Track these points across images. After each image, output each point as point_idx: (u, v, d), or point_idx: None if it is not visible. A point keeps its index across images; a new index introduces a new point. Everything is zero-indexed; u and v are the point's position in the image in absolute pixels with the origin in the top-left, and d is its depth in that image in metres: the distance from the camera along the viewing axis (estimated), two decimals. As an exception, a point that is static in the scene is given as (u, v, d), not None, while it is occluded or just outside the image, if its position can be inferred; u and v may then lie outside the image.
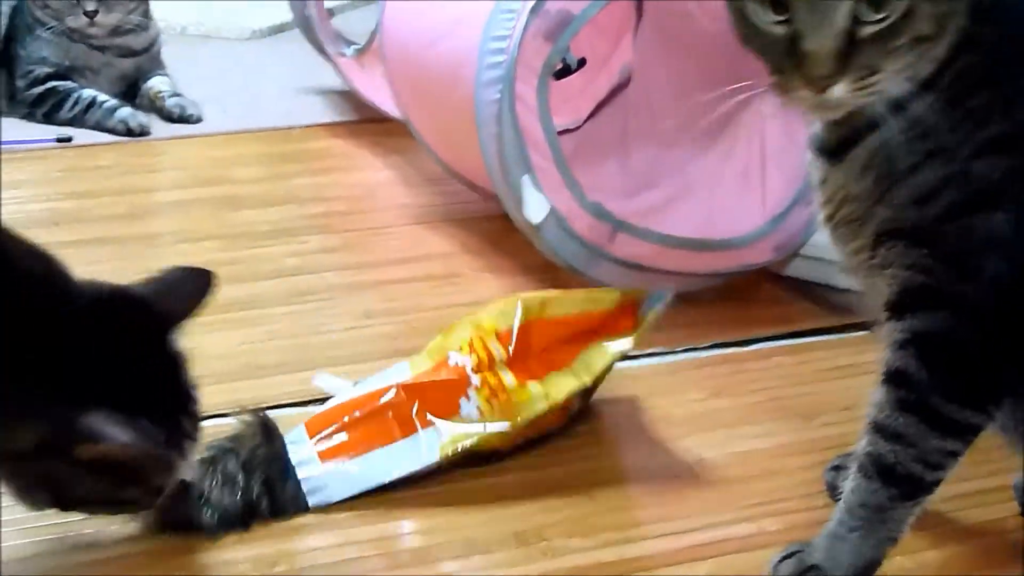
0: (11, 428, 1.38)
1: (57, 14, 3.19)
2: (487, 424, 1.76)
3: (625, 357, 2.04)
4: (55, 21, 3.19)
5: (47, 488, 1.44)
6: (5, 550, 1.61)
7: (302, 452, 1.73)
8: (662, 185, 2.50)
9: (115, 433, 1.37)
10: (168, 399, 1.50)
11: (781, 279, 2.38)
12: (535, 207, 2.21)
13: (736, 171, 2.41)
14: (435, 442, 1.74)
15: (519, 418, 1.77)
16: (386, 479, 1.73)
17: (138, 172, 2.90)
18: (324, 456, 1.73)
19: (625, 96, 2.74)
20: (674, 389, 2.02)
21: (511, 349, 1.80)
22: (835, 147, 1.47)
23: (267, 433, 1.74)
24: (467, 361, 1.78)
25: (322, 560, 1.61)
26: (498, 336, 1.80)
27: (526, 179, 2.20)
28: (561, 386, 1.80)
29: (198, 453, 1.66)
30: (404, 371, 1.81)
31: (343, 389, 1.84)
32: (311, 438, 1.74)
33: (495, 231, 2.54)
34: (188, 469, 1.54)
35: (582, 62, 2.63)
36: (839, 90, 1.34)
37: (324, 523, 1.68)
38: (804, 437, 1.89)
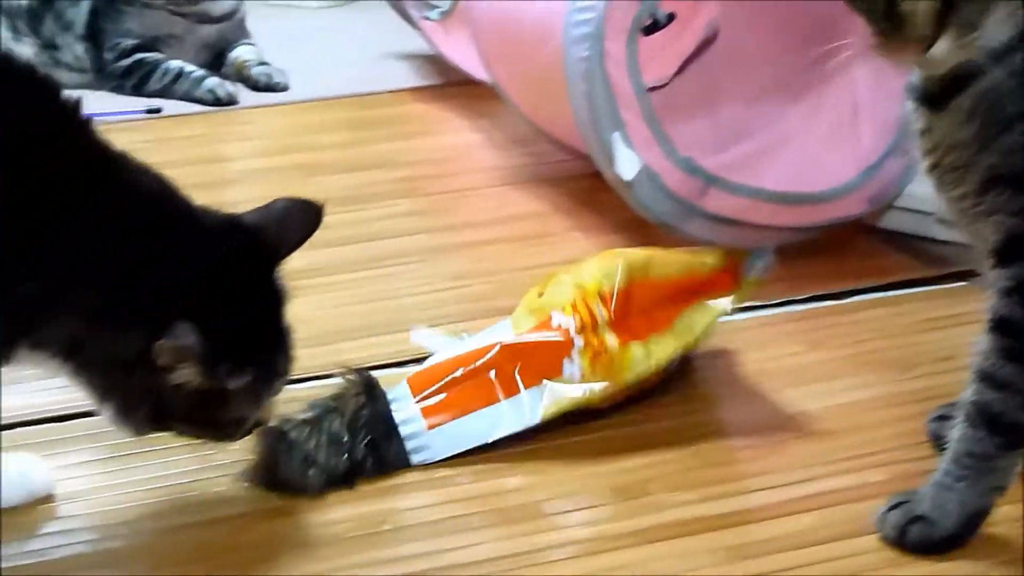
0: (120, 336, 1.43)
1: None
2: (589, 386, 1.75)
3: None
4: None
5: (146, 403, 1.47)
6: (110, 513, 1.63)
7: (405, 410, 1.73)
8: (752, 139, 2.48)
9: (187, 337, 1.40)
10: (265, 333, 1.52)
11: (875, 231, 2.36)
12: (627, 164, 2.20)
13: (828, 123, 2.39)
14: (537, 403, 1.74)
15: (621, 379, 1.77)
16: (488, 439, 1.73)
17: (227, 141, 2.92)
18: (427, 414, 1.73)
19: (712, 52, 2.71)
20: (771, 343, 2.01)
21: (613, 310, 1.79)
22: (937, 95, 1.45)
23: (371, 392, 1.74)
24: (570, 322, 1.77)
25: (427, 518, 1.63)
26: (601, 297, 1.79)
27: (617, 136, 2.20)
28: (663, 348, 1.80)
29: (302, 412, 1.68)
30: (506, 329, 1.81)
31: (442, 345, 1.85)
32: (414, 396, 1.75)
33: (584, 190, 2.54)
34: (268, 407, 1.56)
35: (671, 17, 2.61)
36: (939, 49, 1.33)
37: (427, 481, 1.69)
38: (903, 388, 1.88)
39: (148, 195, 1.47)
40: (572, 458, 1.72)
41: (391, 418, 1.73)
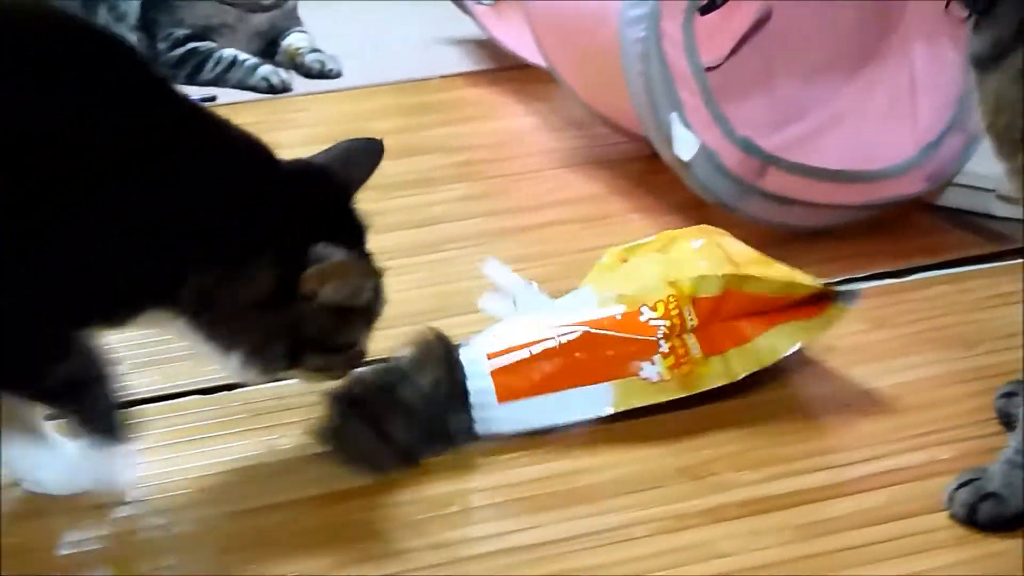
0: (254, 276, 1.51)
1: None
2: (664, 391, 1.75)
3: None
4: None
5: (281, 338, 1.54)
6: (180, 496, 1.65)
7: (479, 381, 1.73)
8: (809, 117, 2.47)
9: (338, 253, 1.51)
10: (365, 255, 1.62)
11: (933, 209, 2.35)
12: (684, 144, 2.20)
13: (885, 100, 2.38)
14: (609, 397, 1.74)
15: (694, 390, 1.76)
16: (556, 422, 1.73)
17: (281, 128, 2.92)
18: (500, 388, 1.73)
19: (767, 31, 2.70)
20: (834, 321, 2.00)
21: (702, 317, 1.77)
22: (989, 55, 1.45)
23: (449, 360, 1.74)
24: (660, 324, 1.76)
25: (494, 499, 1.63)
26: (695, 302, 1.77)
27: (674, 116, 2.19)
28: (743, 365, 1.78)
29: (378, 376, 1.71)
30: (589, 302, 1.80)
31: (513, 285, 1.86)
32: (490, 369, 1.74)
33: (641, 171, 2.53)
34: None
35: (728, -5, 2.60)
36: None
37: (493, 462, 1.69)
38: (969, 365, 1.87)
39: (241, 144, 1.56)
40: (637, 439, 1.72)
41: (466, 389, 1.72)
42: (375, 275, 1.59)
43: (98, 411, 1.57)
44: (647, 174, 2.50)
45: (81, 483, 1.64)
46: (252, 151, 1.57)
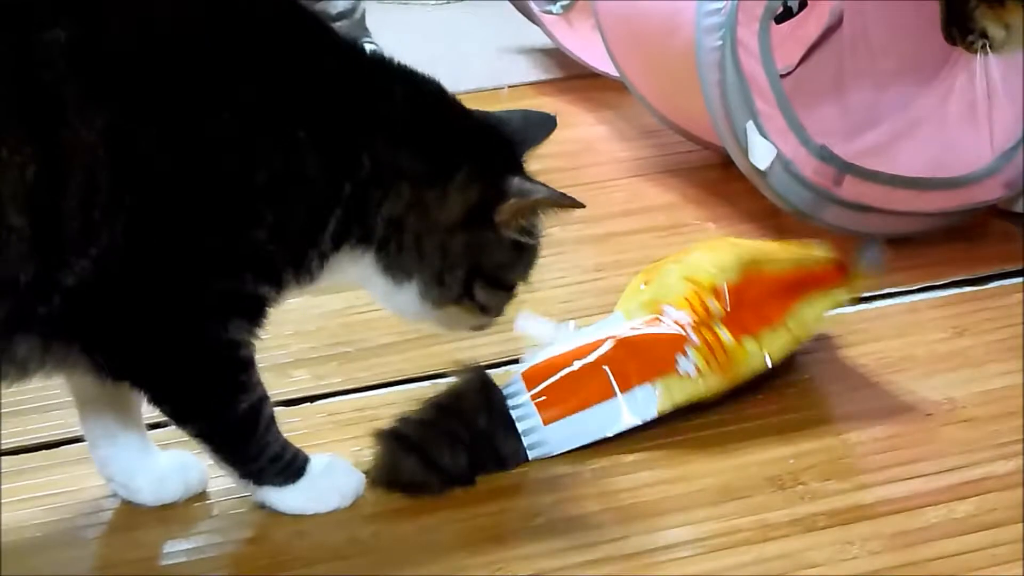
0: (448, 198, 1.54)
1: None
2: (704, 382, 1.75)
3: (858, 300, 2.03)
4: None
5: (464, 262, 1.56)
6: (263, 510, 1.65)
7: (521, 406, 1.74)
8: (884, 125, 2.46)
9: (537, 187, 1.57)
10: None
11: (1011, 216, 2.34)
12: (761, 153, 2.20)
13: (962, 107, 2.37)
14: (652, 398, 1.74)
15: (736, 375, 1.77)
16: (605, 434, 1.74)
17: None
18: (542, 409, 1.73)
19: (838, 37, 2.70)
20: (915, 329, 2.00)
21: (727, 305, 1.78)
22: None
23: (486, 389, 1.75)
24: (685, 317, 1.77)
25: (581, 510, 1.63)
26: (715, 292, 1.78)
27: (750, 125, 2.19)
28: (777, 343, 1.79)
29: (420, 413, 1.71)
30: (618, 322, 1.81)
31: (548, 332, 1.85)
32: (528, 391, 1.75)
33: (715, 180, 2.54)
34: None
35: (803, 4, 2.60)
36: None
37: (577, 473, 1.70)
38: (1053, 373, 1.86)
39: (422, 89, 1.61)
40: (721, 448, 1.72)
41: (508, 415, 1.73)
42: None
43: (277, 450, 1.60)
44: (721, 182, 2.50)
45: (177, 494, 1.65)
46: (426, 90, 1.62)
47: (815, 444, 1.73)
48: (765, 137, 2.19)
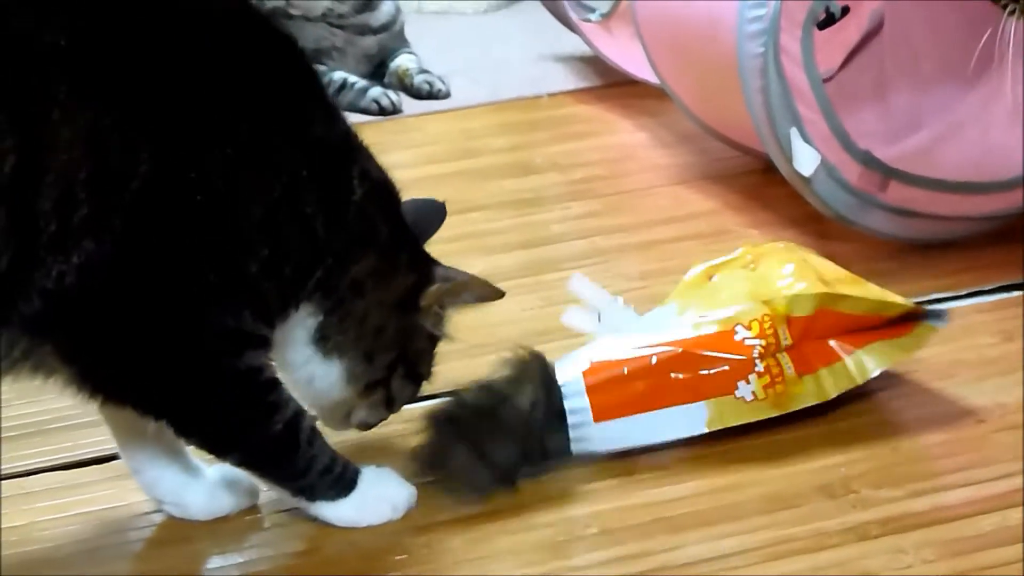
0: (392, 277, 1.59)
1: None
2: (757, 410, 1.74)
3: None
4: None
5: (394, 344, 1.61)
6: (312, 523, 1.65)
7: (576, 400, 1.73)
8: (927, 128, 2.45)
9: (460, 273, 1.62)
10: None
11: (1057, 218, 2.33)
12: (805, 159, 2.19)
13: (1006, 109, 2.35)
14: (703, 415, 1.74)
15: (787, 409, 1.76)
16: (652, 441, 1.73)
17: (394, 149, 2.93)
18: (596, 407, 1.73)
19: (879, 41, 2.69)
20: (963, 334, 1.98)
21: (796, 337, 1.77)
22: None
23: (546, 380, 1.74)
24: (755, 343, 1.75)
25: (634, 520, 1.63)
26: (789, 322, 1.76)
27: (794, 131, 2.19)
28: (834, 384, 1.76)
29: (477, 397, 1.73)
30: (678, 322, 1.80)
31: (600, 300, 1.85)
32: (587, 388, 1.74)
33: (756, 186, 2.53)
34: None
35: (846, 10, 2.59)
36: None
37: (627, 483, 1.70)
38: (1104, 377, 1.85)
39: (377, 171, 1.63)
40: (771, 457, 1.72)
41: (563, 409, 1.73)
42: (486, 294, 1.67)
43: (326, 462, 1.60)
44: (762, 188, 2.50)
45: (228, 507, 1.66)
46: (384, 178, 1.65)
47: (866, 452, 1.72)
48: (809, 143, 2.18)
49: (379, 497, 1.63)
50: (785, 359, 1.76)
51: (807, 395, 1.76)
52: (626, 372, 1.75)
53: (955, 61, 2.48)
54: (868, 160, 2.20)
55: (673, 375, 1.75)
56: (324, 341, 1.58)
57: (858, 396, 1.82)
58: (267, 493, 1.69)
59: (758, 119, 2.24)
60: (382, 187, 1.61)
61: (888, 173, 2.21)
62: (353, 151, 1.58)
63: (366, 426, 1.69)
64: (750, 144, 2.51)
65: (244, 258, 1.48)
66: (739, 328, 1.77)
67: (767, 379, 1.75)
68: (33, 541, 1.65)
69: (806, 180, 2.20)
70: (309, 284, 1.54)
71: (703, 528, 1.60)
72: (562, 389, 1.74)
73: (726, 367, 1.75)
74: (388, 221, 1.59)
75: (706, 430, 1.74)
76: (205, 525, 1.65)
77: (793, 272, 1.82)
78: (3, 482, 1.75)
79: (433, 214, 1.71)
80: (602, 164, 2.77)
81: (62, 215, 1.39)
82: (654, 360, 1.75)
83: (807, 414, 1.78)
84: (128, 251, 1.43)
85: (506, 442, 1.68)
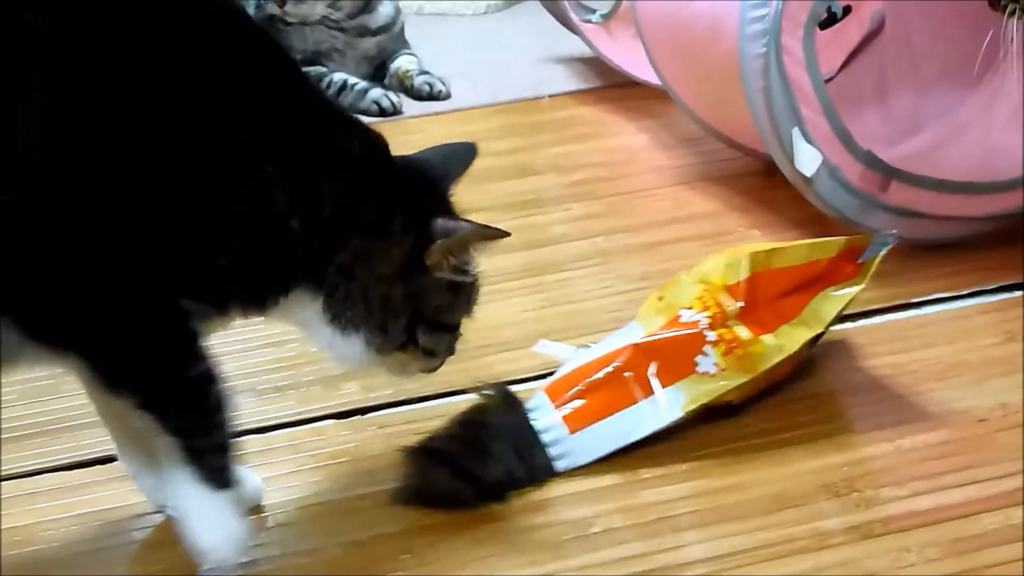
0: (388, 250, 1.56)
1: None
2: (726, 379, 1.75)
3: (907, 306, 2.03)
4: (255, 9, 3.24)
5: (404, 309, 1.59)
6: (317, 521, 1.66)
7: (545, 418, 1.74)
8: (928, 129, 2.45)
9: (460, 224, 1.59)
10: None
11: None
12: (807, 159, 2.19)
13: (1008, 110, 2.36)
14: (676, 400, 1.75)
15: (757, 371, 1.76)
16: (630, 439, 1.74)
17: (395, 150, 2.91)
18: (567, 420, 1.74)
19: (880, 42, 2.69)
20: (965, 335, 1.98)
21: (741, 303, 1.79)
22: None
23: (509, 403, 1.75)
24: (700, 317, 1.78)
25: (636, 519, 1.63)
26: (728, 290, 1.80)
27: (796, 132, 2.19)
28: (794, 337, 1.79)
29: (447, 429, 1.73)
30: (636, 331, 1.81)
31: (569, 354, 1.85)
32: (552, 403, 1.75)
33: (758, 187, 2.53)
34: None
35: (847, 10, 2.59)
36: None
37: (630, 482, 1.69)
38: (1107, 377, 1.85)
39: (371, 138, 1.62)
40: (773, 457, 1.72)
41: (532, 428, 1.73)
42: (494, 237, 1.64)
43: (216, 444, 1.54)
44: (765, 190, 2.50)
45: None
46: (374, 139, 1.64)
47: (868, 451, 1.72)
48: (811, 143, 2.18)
49: (231, 519, 1.56)
50: (738, 325, 1.77)
51: (771, 351, 1.77)
52: (587, 382, 1.76)
53: (956, 62, 2.48)
54: (870, 160, 2.20)
55: (633, 371, 1.76)
56: (336, 319, 1.57)
57: (859, 396, 1.83)
58: (270, 494, 1.69)
59: (760, 120, 2.24)
60: (367, 161, 1.58)
61: (890, 173, 2.21)
62: (330, 139, 1.56)
63: (430, 371, 1.69)
64: (752, 145, 2.51)
65: (206, 243, 1.48)
66: (682, 311, 1.80)
67: (723, 347, 1.76)
68: (35, 542, 1.65)
69: (808, 181, 2.20)
70: (287, 274, 1.54)
71: (706, 528, 1.60)
72: (528, 411, 1.75)
73: (680, 346, 1.77)
74: (375, 197, 1.56)
75: (682, 414, 1.74)
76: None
77: (723, 253, 1.87)
78: (5, 483, 1.75)
79: (458, 158, 1.70)
80: (603, 166, 2.77)
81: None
82: (612, 365, 1.77)
83: (807, 414, 1.79)
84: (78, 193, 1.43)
85: (485, 462, 1.69)
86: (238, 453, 1.56)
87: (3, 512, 1.68)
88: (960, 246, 2.24)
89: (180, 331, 1.51)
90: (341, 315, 1.57)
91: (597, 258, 2.33)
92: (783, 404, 1.81)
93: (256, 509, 1.68)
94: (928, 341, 1.97)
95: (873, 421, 1.78)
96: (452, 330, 1.66)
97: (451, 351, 1.68)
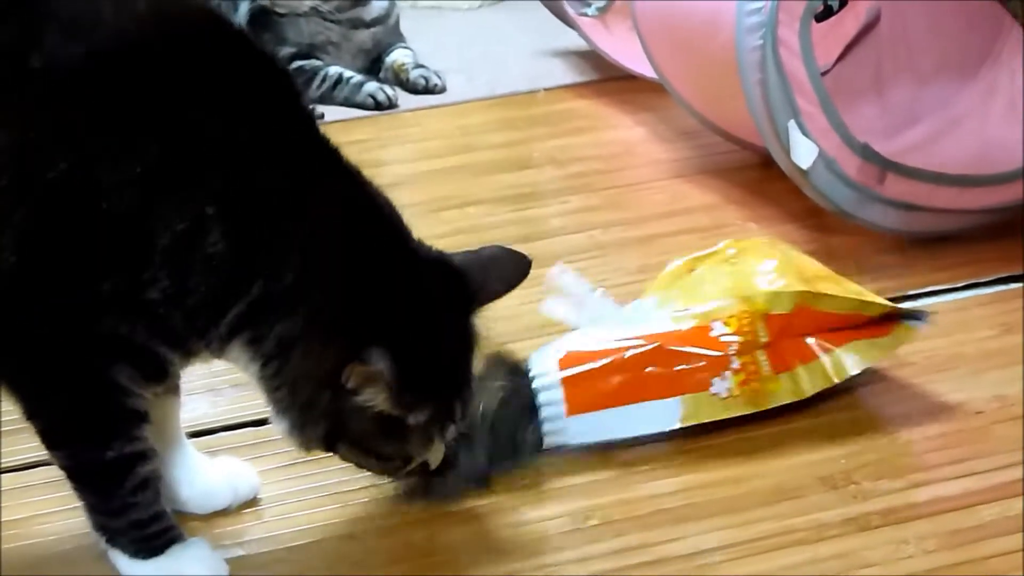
0: (322, 350, 1.42)
1: None
2: (732, 407, 1.74)
3: (905, 298, 2.03)
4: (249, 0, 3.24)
5: (325, 421, 1.45)
6: (315, 515, 1.66)
7: (550, 394, 1.73)
8: (925, 122, 2.45)
9: (380, 362, 1.38)
10: (450, 374, 1.50)
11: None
12: (803, 152, 2.19)
13: (1003, 102, 2.36)
14: (677, 411, 1.74)
15: (762, 407, 1.75)
16: (625, 435, 1.73)
17: (392, 144, 2.94)
18: (570, 399, 1.73)
19: (876, 35, 2.69)
20: (962, 327, 1.98)
21: (774, 334, 1.76)
22: None
23: (515, 376, 1.74)
24: (732, 339, 1.75)
25: (634, 512, 1.63)
26: (767, 319, 1.76)
27: (792, 124, 2.19)
28: (811, 383, 1.76)
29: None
30: (660, 319, 1.79)
31: (580, 290, 1.85)
32: (561, 380, 1.74)
33: (755, 180, 2.53)
34: (438, 453, 1.53)
35: (844, 2, 2.59)
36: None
37: (628, 475, 1.69)
38: (1103, 368, 1.85)
39: (372, 213, 1.47)
40: (771, 449, 1.72)
41: (534, 400, 1.73)
42: (435, 398, 1.47)
43: (132, 522, 1.50)
44: (762, 182, 2.50)
45: (225, 502, 1.66)
46: (382, 222, 1.48)
47: (866, 444, 1.72)
48: (807, 136, 2.18)
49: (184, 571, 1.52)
50: (762, 356, 1.75)
51: (783, 392, 1.75)
52: (601, 365, 1.75)
53: (953, 55, 2.49)
54: (867, 153, 2.20)
55: (648, 369, 1.75)
56: (269, 392, 1.46)
57: (858, 388, 1.83)
58: (266, 487, 1.69)
59: (757, 113, 2.24)
60: (338, 238, 1.44)
61: (887, 166, 2.21)
62: (304, 195, 1.42)
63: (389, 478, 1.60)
64: (749, 138, 2.51)
65: (141, 276, 1.39)
66: (716, 324, 1.77)
67: (743, 376, 1.74)
68: (33, 535, 1.65)
69: (805, 173, 2.20)
70: (223, 321, 1.43)
71: (703, 520, 1.60)
72: (535, 381, 1.74)
73: (702, 363, 1.75)
74: (331, 280, 1.42)
75: (679, 426, 1.74)
76: (204, 519, 1.65)
77: (774, 268, 1.82)
78: (3, 475, 1.74)
79: (508, 269, 1.53)
80: (600, 159, 2.76)
81: None
82: (629, 354, 1.75)
83: (806, 406, 1.78)
84: (27, 238, 1.38)
85: (469, 448, 1.67)
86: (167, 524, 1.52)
87: (1, 505, 1.67)
88: (957, 239, 2.24)
89: (111, 406, 1.45)
90: (272, 390, 1.46)
91: (594, 251, 2.33)
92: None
93: (251, 503, 1.68)
94: (925, 334, 1.95)
95: (870, 413, 1.78)
96: (387, 459, 1.52)
97: (399, 475, 1.56)
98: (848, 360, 1.77)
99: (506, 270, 1.53)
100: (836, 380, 1.77)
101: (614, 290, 2.15)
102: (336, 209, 1.44)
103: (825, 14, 2.52)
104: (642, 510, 1.63)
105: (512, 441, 1.70)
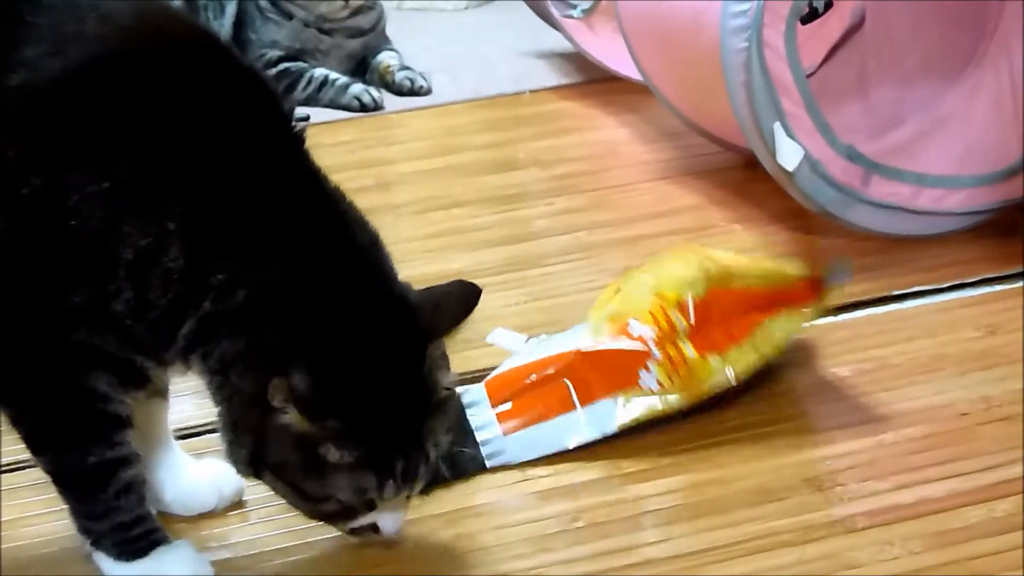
0: (254, 369, 1.40)
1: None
2: (666, 397, 1.75)
3: (889, 299, 2.03)
4: (303, 12, 3.22)
5: (250, 442, 1.43)
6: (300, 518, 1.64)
7: (482, 415, 1.75)
8: (909, 123, 2.45)
9: (300, 382, 1.36)
10: (387, 425, 1.43)
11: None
12: (788, 154, 2.19)
13: (988, 104, 2.36)
14: (612, 412, 1.74)
15: (698, 391, 1.76)
16: (564, 446, 1.74)
17: (378, 145, 2.94)
18: (503, 419, 1.74)
19: (861, 36, 2.69)
20: (947, 329, 1.99)
21: (692, 320, 1.77)
22: None
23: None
24: (649, 332, 1.76)
25: (621, 514, 1.63)
26: (680, 306, 1.77)
27: (777, 126, 2.19)
28: (742, 360, 1.77)
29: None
30: (583, 335, 1.80)
31: (520, 346, 1.86)
32: (490, 401, 1.76)
33: (740, 181, 2.53)
34: (389, 518, 1.48)
35: (829, 4, 2.60)
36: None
37: (614, 478, 1.70)
38: (1088, 369, 1.85)
39: (337, 241, 1.44)
40: (757, 451, 1.72)
41: (467, 423, 1.73)
42: (367, 441, 1.41)
43: (115, 525, 1.51)
44: (746, 183, 2.50)
45: (210, 504, 1.66)
46: (347, 249, 1.44)
47: (851, 445, 1.73)
48: (792, 138, 2.19)
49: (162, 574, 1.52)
50: (685, 343, 1.76)
51: (715, 374, 1.76)
52: (527, 381, 1.76)
53: (938, 57, 2.49)
54: (852, 154, 2.21)
55: (574, 378, 1.76)
56: (217, 408, 1.46)
57: (842, 390, 1.83)
58: (252, 489, 1.68)
59: (742, 114, 2.25)
60: (293, 265, 1.41)
61: (871, 168, 2.21)
62: (275, 222, 1.41)
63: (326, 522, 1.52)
64: (734, 139, 2.51)
65: (106, 289, 1.40)
66: (632, 321, 1.78)
67: (668, 365, 1.75)
68: (19, 537, 1.65)
69: (790, 175, 2.21)
70: (180, 334, 1.42)
71: (689, 522, 1.61)
72: (466, 406, 1.74)
73: (624, 360, 1.75)
74: (277, 304, 1.40)
75: (617, 428, 1.74)
76: (189, 520, 1.65)
77: (685, 262, 1.84)
78: (2, 475, 1.74)
79: (456, 303, 1.47)
80: (585, 160, 2.77)
81: None
82: (553, 368, 1.77)
83: (790, 408, 1.79)
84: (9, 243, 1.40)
85: None
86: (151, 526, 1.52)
87: (2, 504, 1.67)
88: (941, 240, 2.25)
89: (91, 412, 1.46)
90: (216, 405, 1.45)
91: (579, 252, 2.33)
92: (765, 398, 1.81)
93: (238, 504, 1.68)
94: (910, 335, 1.97)
95: (856, 415, 1.79)
96: (310, 498, 1.45)
97: (331, 517, 1.49)
98: (777, 332, 1.78)
99: (457, 305, 1.47)
100: (770, 355, 1.78)
101: (599, 292, 2.16)
102: (299, 234, 1.42)
103: (810, 16, 2.52)
104: (628, 512, 1.63)
105: (452, 461, 1.67)
